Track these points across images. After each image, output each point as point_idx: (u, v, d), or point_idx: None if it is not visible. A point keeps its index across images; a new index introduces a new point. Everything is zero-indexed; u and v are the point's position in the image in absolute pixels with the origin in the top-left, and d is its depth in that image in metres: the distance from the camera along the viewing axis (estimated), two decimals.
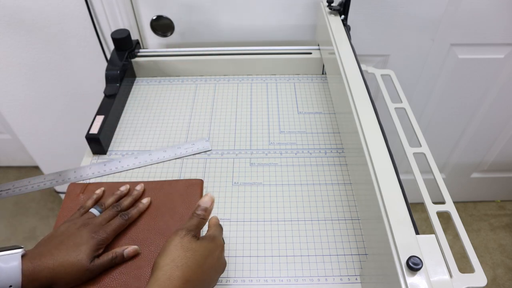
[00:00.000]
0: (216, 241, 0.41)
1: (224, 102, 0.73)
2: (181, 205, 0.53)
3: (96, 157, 0.63)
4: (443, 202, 0.49)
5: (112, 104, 0.66)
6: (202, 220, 0.41)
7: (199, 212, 0.41)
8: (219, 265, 0.41)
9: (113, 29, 0.76)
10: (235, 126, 0.68)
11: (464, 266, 1.03)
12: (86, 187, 0.56)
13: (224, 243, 0.43)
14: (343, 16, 0.72)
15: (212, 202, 0.43)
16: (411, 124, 0.60)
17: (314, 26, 0.84)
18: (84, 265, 0.42)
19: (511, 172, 1.26)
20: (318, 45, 0.80)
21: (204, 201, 0.42)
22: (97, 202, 0.52)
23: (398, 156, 0.49)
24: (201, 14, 0.82)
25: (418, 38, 0.86)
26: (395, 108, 0.62)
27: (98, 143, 0.61)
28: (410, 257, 0.33)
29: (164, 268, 0.36)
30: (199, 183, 0.56)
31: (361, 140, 0.47)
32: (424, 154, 0.55)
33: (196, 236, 0.40)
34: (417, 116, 1.04)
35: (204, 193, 0.56)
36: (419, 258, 0.33)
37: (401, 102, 0.64)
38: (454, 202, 0.48)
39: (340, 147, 0.63)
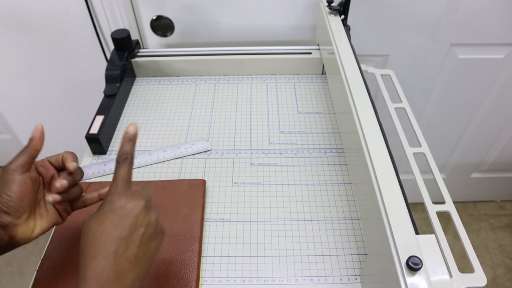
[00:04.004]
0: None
1: (224, 102, 0.73)
2: (184, 205, 0.53)
3: (96, 157, 0.63)
4: (443, 202, 0.49)
5: (112, 104, 0.66)
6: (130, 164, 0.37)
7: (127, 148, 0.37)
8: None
9: (113, 29, 0.76)
10: (235, 126, 0.68)
11: (464, 266, 1.03)
12: (89, 186, 0.56)
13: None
14: (343, 16, 0.72)
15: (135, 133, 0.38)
16: (411, 124, 0.60)
17: (314, 26, 0.84)
18: None
19: (511, 172, 1.26)
20: (318, 45, 0.80)
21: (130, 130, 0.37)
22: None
23: (398, 156, 0.48)
24: (201, 14, 0.82)
25: (418, 38, 0.86)
26: (395, 108, 0.62)
27: (98, 143, 0.61)
28: (410, 257, 0.33)
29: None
30: (202, 183, 0.56)
31: (361, 140, 0.47)
32: (424, 154, 0.55)
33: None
34: (417, 116, 1.04)
35: (206, 194, 0.56)
36: (419, 258, 0.33)
37: (401, 102, 0.64)
38: (454, 202, 0.48)
39: (340, 147, 0.63)
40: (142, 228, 0.35)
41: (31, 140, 0.39)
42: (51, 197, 0.40)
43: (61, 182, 0.41)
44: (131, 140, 0.37)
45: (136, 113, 0.71)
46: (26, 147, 0.39)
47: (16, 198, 0.37)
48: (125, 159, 0.37)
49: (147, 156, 0.62)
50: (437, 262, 0.35)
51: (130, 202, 0.35)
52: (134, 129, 0.38)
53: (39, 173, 0.41)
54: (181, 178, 0.58)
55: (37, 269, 0.47)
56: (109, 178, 0.59)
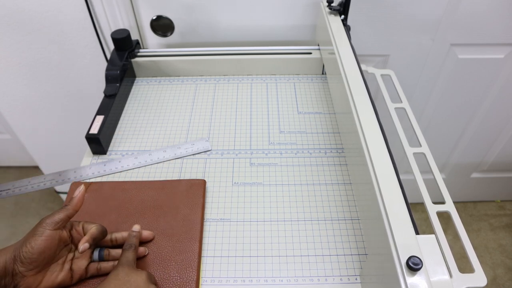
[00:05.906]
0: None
1: (224, 102, 0.73)
2: (184, 206, 0.53)
3: (96, 157, 0.63)
4: (443, 202, 0.49)
5: (112, 104, 0.66)
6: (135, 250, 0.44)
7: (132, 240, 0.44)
8: None
9: (113, 29, 0.76)
10: (235, 126, 0.68)
11: (464, 266, 1.03)
12: (89, 186, 0.56)
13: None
14: (343, 16, 0.72)
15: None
16: (411, 124, 0.60)
17: (314, 26, 0.84)
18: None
19: (511, 172, 1.26)
20: (318, 45, 0.80)
21: (136, 228, 0.47)
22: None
23: (398, 156, 0.49)
24: (201, 14, 0.82)
25: (418, 38, 0.86)
26: (395, 108, 0.62)
27: (98, 143, 0.61)
28: (410, 257, 0.33)
29: None
30: (202, 183, 0.56)
31: (361, 140, 0.47)
32: (424, 154, 0.55)
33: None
34: (417, 116, 1.04)
35: (206, 194, 0.56)
36: (419, 258, 0.33)
37: (401, 102, 0.64)
38: (454, 202, 0.48)
39: (340, 147, 0.63)
40: None
41: (71, 200, 0.43)
42: (82, 247, 0.42)
43: (84, 246, 0.42)
44: (135, 236, 0.46)
45: (136, 113, 0.71)
46: (66, 206, 0.42)
47: (36, 252, 0.39)
48: (130, 247, 0.44)
49: (147, 156, 0.62)
50: (437, 262, 0.35)
51: (133, 273, 0.40)
52: (138, 227, 0.47)
53: (72, 235, 0.44)
54: (181, 178, 0.58)
55: None
56: (109, 178, 0.59)
